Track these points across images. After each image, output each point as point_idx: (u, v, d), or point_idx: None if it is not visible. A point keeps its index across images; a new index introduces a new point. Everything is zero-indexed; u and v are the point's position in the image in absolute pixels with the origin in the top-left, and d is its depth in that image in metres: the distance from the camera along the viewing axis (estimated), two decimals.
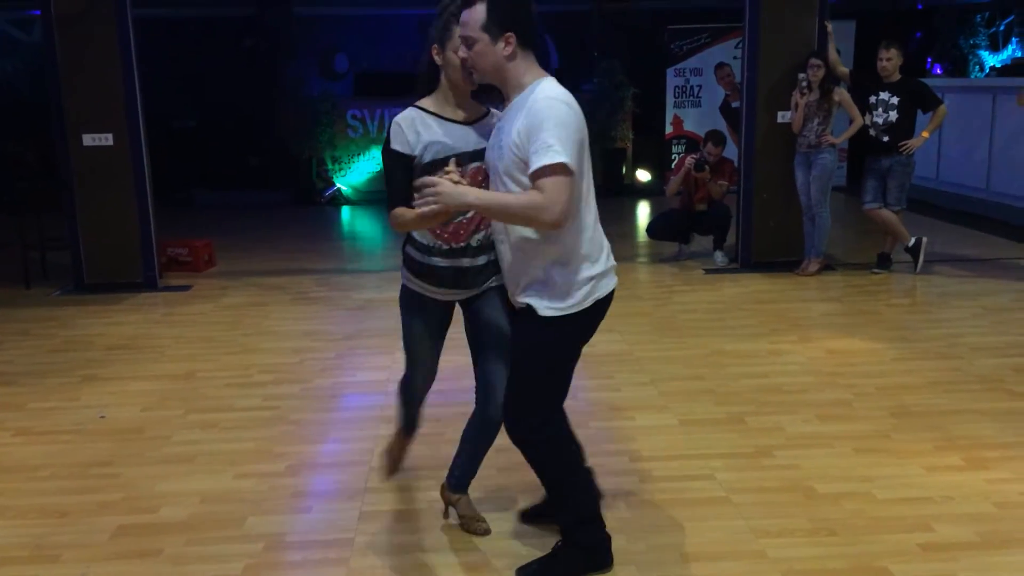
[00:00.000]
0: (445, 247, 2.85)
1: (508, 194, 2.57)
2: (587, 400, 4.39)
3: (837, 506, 3.25)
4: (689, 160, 7.13)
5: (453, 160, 2.69)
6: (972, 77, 11.70)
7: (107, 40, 6.45)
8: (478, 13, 2.53)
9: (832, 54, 6.72)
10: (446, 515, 3.23)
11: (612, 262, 2.81)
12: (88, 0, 6.40)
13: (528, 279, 2.69)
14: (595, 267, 2.71)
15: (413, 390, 3.19)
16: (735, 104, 8.87)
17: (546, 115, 2.46)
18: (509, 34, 2.54)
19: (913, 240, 6.75)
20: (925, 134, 6.52)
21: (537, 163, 2.44)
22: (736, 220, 7.16)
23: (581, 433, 3.93)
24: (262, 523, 3.22)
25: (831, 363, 4.85)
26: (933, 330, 5.38)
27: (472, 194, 2.54)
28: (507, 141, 2.56)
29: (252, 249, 8.29)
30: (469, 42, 2.57)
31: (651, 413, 4.19)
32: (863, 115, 6.59)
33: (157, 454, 3.83)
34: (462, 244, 2.85)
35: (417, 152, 2.76)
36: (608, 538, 2.92)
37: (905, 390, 4.40)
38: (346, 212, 10.79)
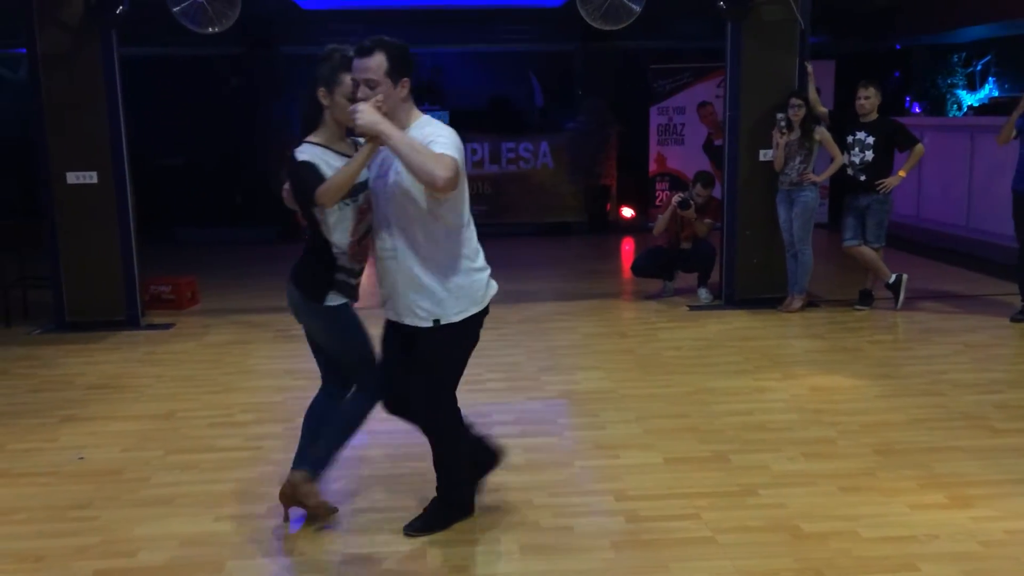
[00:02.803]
0: (360, 268, 3.34)
1: (417, 141, 2.96)
2: (572, 438, 4.37)
3: (823, 545, 3.23)
4: (675, 199, 7.19)
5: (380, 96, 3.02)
6: (950, 116, 11.88)
7: (93, 78, 6.47)
8: (379, 60, 2.98)
9: (812, 94, 6.82)
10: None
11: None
12: (74, 39, 6.43)
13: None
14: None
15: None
16: (718, 142, 9.00)
17: (444, 131, 3.05)
18: (406, 79, 3.05)
19: (894, 277, 6.80)
20: (902, 173, 6.61)
21: (439, 151, 2.93)
22: (720, 257, 7.20)
23: (566, 472, 3.95)
24: (242, 567, 3.17)
25: (815, 400, 4.85)
26: (916, 367, 5.41)
27: (384, 123, 2.93)
28: (400, 168, 3.00)
29: (236, 286, 8.26)
30: (372, 85, 2.99)
31: (636, 451, 4.17)
32: (842, 154, 6.68)
33: (136, 496, 3.77)
34: (365, 263, 3.35)
35: (324, 172, 3.10)
36: (472, 489, 3.51)
37: (889, 427, 4.41)
38: None
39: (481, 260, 3.28)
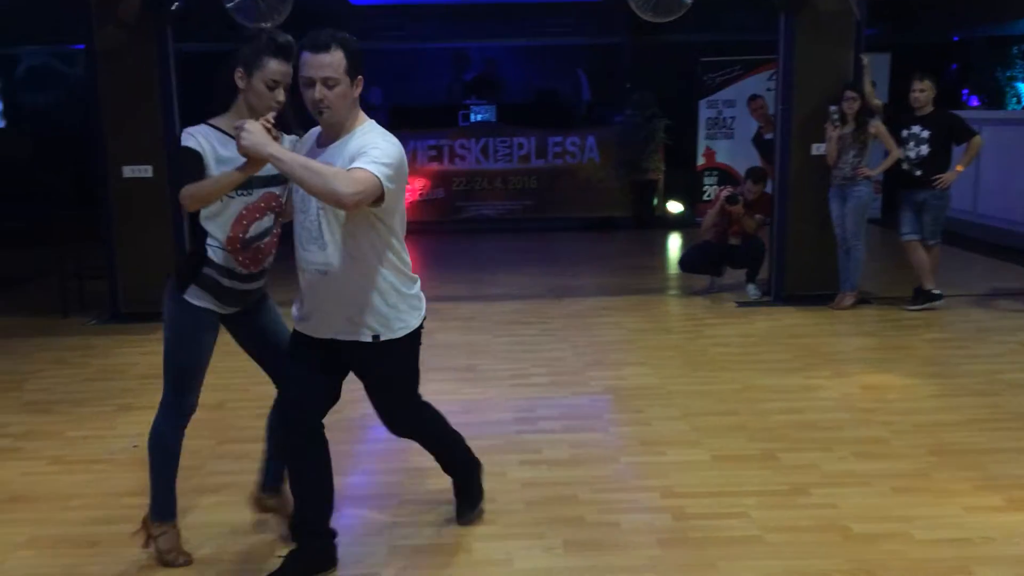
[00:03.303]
0: (244, 272, 3.04)
1: (312, 160, 2.75)
2: (617, 434, 4.35)
3: (875, 547, 3.17)
4: (723, 194, 7.12)
5: (272, 115, 2.82)
6: (1009, 108, 11.57)
7: (147, 73, 6.59)
8: (339, 58, 2.79)
9: (867, 87, 6.68)
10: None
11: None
12: (130, 35, 6.55)
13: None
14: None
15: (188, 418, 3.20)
16: (768, 136, 8.88)
17: (383, 141, 2.84)
18: (360, 77, 2.87)
19: (937, 291, 6.58)
20: (959, 167, 6.44)
21: (361, 163, 2.71)
22: (769, 253, 7.11)
23: (611, 468, 3.93)
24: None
25: (867, 399, 4.76)
26: (970, 366, 5.27)
27: (273, 146, 2.68)
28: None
29: (285, 279, 8.33)
30: (331, 83, 2.79)
31: (683, 448, 4.14)
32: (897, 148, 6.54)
33: (187, 485, 3.81)
34: (257, 270, 3.08)
35: (209, 163, 2.86)
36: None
37: (943, 427, 4.31)
38: None
39: (410, 270, 3.07)
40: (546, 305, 7.14)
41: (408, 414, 3.24)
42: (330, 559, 3.12)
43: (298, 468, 3.10)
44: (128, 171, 6.67)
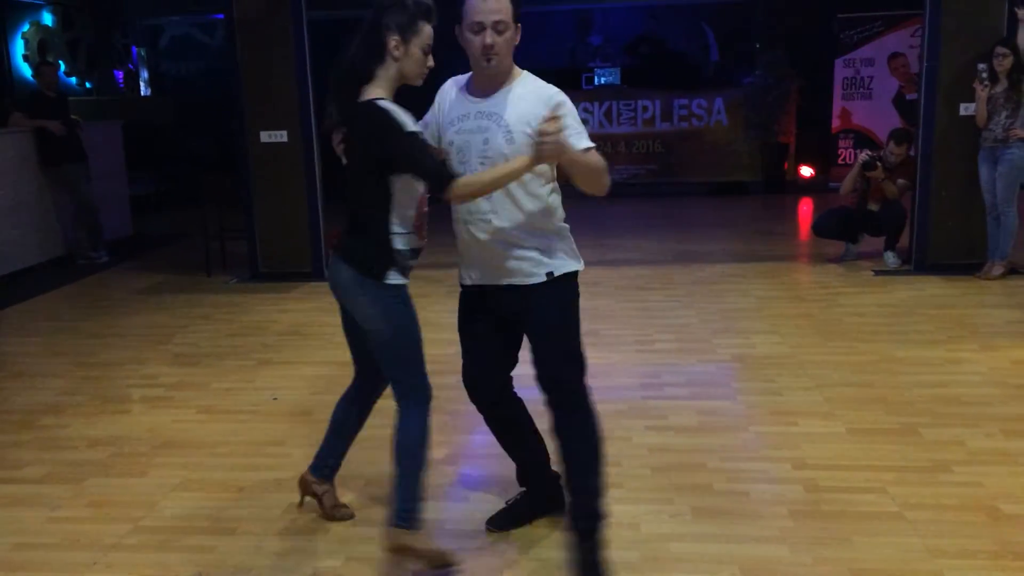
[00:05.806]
0: (421, 245, 2.94)
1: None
2: (746, 403, 4.26)
3: None
4: (860, 158, 6.82)
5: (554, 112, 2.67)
6: None
7: (284, 41, 6.80)
8: (507, 2, 2.68)
9: (1021, 42, 6.22)
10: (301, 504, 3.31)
11: None
12: (267, 4, 6.77)
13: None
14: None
15: None
16: (910, 96, 8.39)
17: (569, 105, 2.80)
18: (519, 24, 2.75)
19: None
20: None
21: (584, 143, 2.78)
22: (911, 219, 6.77)
23: (739, 437, 3.86)
24: (430, 507, 3.30)
25: (1018, 374, 4.49)
26: None
27: (568, 146, 2.67)
28: (518, 126, 2.76)
29: None
30: (502, 28, 2.68)
31: (816, 419, 4.02)
32: None
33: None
34: (425, 240, 2.95)
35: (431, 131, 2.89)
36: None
37: None
38: None
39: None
40: (671, 271, 7.04)
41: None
42: (557, 503, 3.16)
43: (505, 436, 3.23)
44: (265, 136, 6.93)
